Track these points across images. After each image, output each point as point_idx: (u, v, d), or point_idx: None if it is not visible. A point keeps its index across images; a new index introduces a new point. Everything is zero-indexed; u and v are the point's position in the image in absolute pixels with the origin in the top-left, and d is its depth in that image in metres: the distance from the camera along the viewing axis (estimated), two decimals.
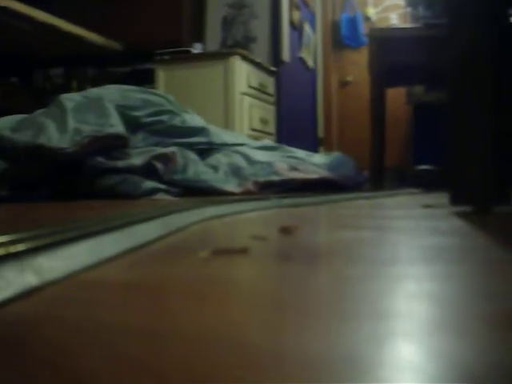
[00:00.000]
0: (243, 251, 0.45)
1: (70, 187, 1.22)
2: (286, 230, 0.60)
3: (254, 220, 0.84)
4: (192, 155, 1.35)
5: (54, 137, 1.15)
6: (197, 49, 2.56)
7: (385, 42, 2.26)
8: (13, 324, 0.25)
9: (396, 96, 3.22)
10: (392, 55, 2.23)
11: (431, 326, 0.24)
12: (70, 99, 1.32)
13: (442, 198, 1.09)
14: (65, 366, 0.19)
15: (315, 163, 1.60)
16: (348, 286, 0.34)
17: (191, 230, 0.65)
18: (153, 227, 0.56)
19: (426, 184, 2.48)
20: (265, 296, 0.32)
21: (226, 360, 0.19)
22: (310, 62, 3.62)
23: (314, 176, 1.47)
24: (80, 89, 1.46)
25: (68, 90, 2.40)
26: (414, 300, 0.30)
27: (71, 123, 1.19)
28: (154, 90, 1.68)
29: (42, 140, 1.14)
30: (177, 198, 1.20)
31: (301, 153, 1.69)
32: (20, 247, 0.34)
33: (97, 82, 1.69)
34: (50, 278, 0.33)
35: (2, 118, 1.30)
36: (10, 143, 1.14)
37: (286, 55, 2.93)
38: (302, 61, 3.44)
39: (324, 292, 0.33)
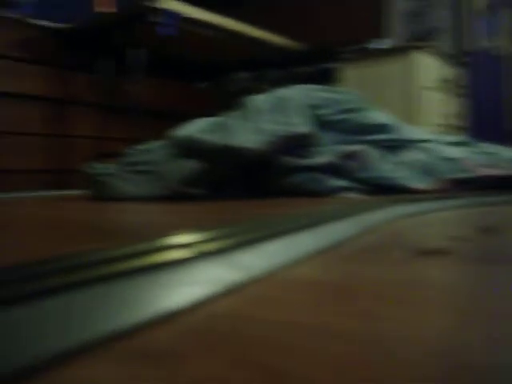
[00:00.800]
0: (444, 253, 0.42)
1: (260, 186, 1.25)
2: (486, 230, 0.56)
3: (447, 219, 0.79)
4: (378, 152, 1.32)
5: (244, 137, 1.19)
6: (378, 45, 2.51)
7: None
8: (218, 322, 0.26)
9: None
10: None
11: None
12: (258, 101, 1.36)
13: None
14: (273, 368, 0.19)
15: (507, 158, 1.48)
16: None
17: (383, 229, 0.63)
18: (345, 226, 0.55)
19: None
20: (471, 303, 0.30)
21: (431, 370, 0.18)
22: (503, 49, 3.36)
23: (509, 172, 1.36)
24: (266, 90, 1.49)
25: (255, 92, 2.49)
26: None
27: (259, 124, 1.23)
28: (339, 88, 1.67)
29: (233, 141, 1.18)
30: (364, 197, 1.19)
31: (492, 147, 1.57)
32: (224, 244, 0.36)
33: (282, 83, 1.72)
34: (253, 276, 0.33)
35: (193, 122, 1.38)
36: (202, 145, 1.21)
37: (472, 45, 2.75)
38: (492, 49, 3.21)
39: None
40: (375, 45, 2.50)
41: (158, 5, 1.89)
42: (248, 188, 1.25)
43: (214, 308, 0.28)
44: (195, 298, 0.28)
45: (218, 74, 2.97)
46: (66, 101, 2.31)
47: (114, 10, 2.37)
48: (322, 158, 1.24)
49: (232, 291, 0.31)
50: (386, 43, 2.62)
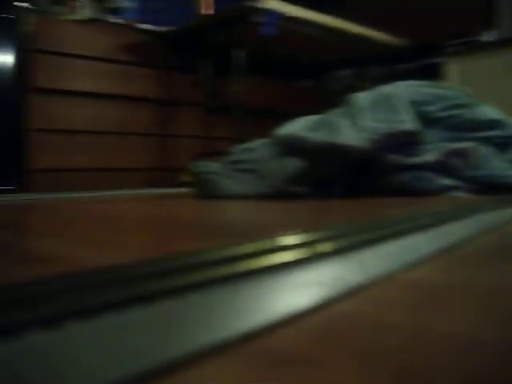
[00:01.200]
0: None
1: (363, 184, 1.23)
2: None
3: None
4: (489, 150, 1.26)
5: (348, 135, 1.17)
6: (486, 37, 2.40)
7: None
8: (342, 324, 0.25)
9: None
10: None
11: None
12: (361, 98, 1.34)
13: None
14: (407, 374, 0.18)
15: None
16: None
17: (501, 230, 0.60)
18: (461, 227, 0.53)
19: None
20: None
21: None
22: None
23: None
24: (369, 87, 1.47)
25: (358, 89, 2.45)
26: None
27: (364, 121, 1.21)
28: (445, 84, 1.61)
29: (337, 139, 1.17)
30: (474, 196, 1.13)
31: None
32: (340, 244, 0.35)
33: (385, 80, 1.68)
34: (372, 278, 0.32)
35: (297, 120, 1.38)
36: (306, 143, 1.20)
37: None
38: None
39: None
40: (483, 37, 2.39)
41: (259, 5, 1.90)
42: (352, 186, 1.23)
43: (335, 310, 0.27)
44: (316, 300, 0.28)
45: (320, 72, 2.95)
46: (171, 101, 2.38)
47: (212, 11, 2.42)
48: (429, 156, 1.20)
49: (352, 293, 0.30)
50: (494, 35, 2.49)
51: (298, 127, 1.31)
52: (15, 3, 1.96)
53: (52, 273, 0.33)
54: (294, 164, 1.19)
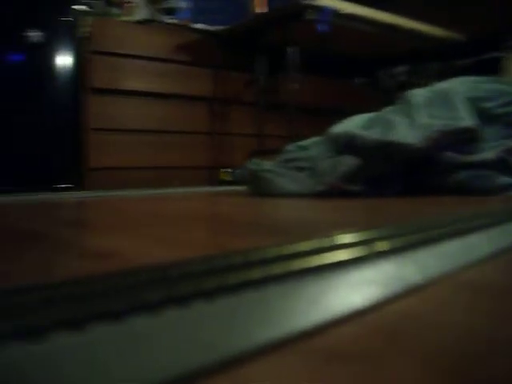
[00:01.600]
0: None
1: (419, 183, 1.21)
2: None
3: None
4: None
5: (404, 133, 1.16)
6: None
7: None
8: (401, 323, 0.25)
9: None
10: None
11: None
12: (417, 95, 1.32)
13: None
14: (467, 376, 0.18)
15: None
16: None
17: None
18: None
19: None
20: None
21: None
22: None
23: None
24: (424, 84, 1.44)
25: (412, 86, 2.41)
26: None
27: (420, 119, 1.19)
28: (506, 79, 1.57)
29: (392, 136, 1.15)
30: None
31: None
32: (397, 242, 0.35)
33: (441, 76, 1.65)
34: (429, 277, 0.32)
35: (352, 118, 1.37)
36: (361, 141, 1.19)
37: None
38: None
39: None
40: None
41: (314, 2, 1.90)
42: (408, 185, 1.21)
43: (394, 308, 0.27)
44: (372, 299, 0.28)
45: (374, 69, 2.92)
46: (225, 100, 2.40)
47: (265, 9, 2.43)
48: (488, 154, 1.17)
49: (408, 292, 0.30)
50: None
51: (353, 125, 1.30)
52: (73, 6, 2.01)
53: (114, 269, 0.34)
54: (348, 162, 1.18)
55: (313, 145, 1.39)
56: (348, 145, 1.21)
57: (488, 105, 1.29)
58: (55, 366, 0.16)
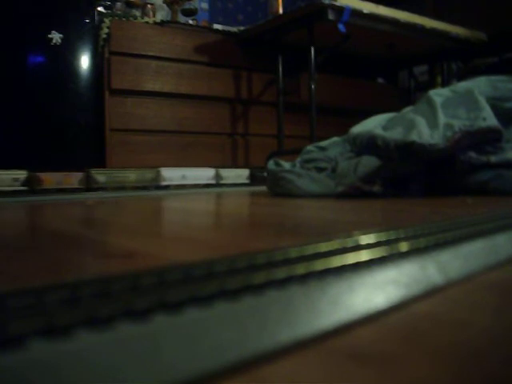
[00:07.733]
0: None
1: (440, 183, 1.20)
2: None
3: None
4: None
5: (425, 133, 1.15)
6: None
7: None
8: (422, 325, 0.25)
9: None
10: None
11: None
12: (438, 94, 1.31)
13: None
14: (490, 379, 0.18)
15: None
16: None
17: None
18: None
19: None
20: None
21: None
22: None
23: None
24: (445, 84, 1.43)
25: (433, 85, 2.40)
26: None
27: (442, 119, 1.18)
28: None
29: (413, 137, 1.15)
30: None
31: None
32: (419, 243, 0.34)
33: (462, 76, 1.64)
34: (454, 277, 0.32)
35: (372, 118, 1.36)
36: (382, 141, 1.18)
37: None
38: None
39: None
40: None
41: (335, 2, 1.89)
42: (429, 186, 1.20)
43: (414, 310, 0.27)
44: (394, 299, 0.28)
45: (395, 68, 2.90)
46: (245, 100, 2.41)
47: (281, 11, 2.43)
48: (510, 154, 1.16)
49: (430, 293, 0.30)
50: None
51: (373, 125, 1.29)
52: (95, 8, 2.04)
53: (136, 268, 0.34)
54: (368, 162, 1.18)
55: (332, 145, 1.39)
56: (368, 145, 1.20)
57: (509, 105, 1.27)
58: (85, 364, 0.17)
